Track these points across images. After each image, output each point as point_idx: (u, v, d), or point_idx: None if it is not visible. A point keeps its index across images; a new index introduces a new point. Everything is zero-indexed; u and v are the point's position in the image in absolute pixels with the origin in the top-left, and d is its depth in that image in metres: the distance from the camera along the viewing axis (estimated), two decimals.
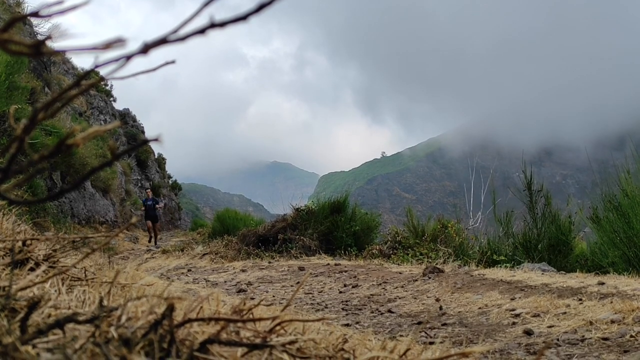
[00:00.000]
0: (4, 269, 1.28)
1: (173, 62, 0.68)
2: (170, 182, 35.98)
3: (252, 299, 5.28)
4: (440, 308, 4.31)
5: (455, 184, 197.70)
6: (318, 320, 1.12)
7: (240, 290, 6.14)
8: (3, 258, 1.47)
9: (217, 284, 6.94)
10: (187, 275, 8.18)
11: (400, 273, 6.80)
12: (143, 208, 17.83)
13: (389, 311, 4.43)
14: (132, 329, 0.85)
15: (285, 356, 0.92)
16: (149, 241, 17.62)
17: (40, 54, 0.59)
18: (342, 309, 4.72)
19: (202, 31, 0.61)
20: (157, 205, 17.58)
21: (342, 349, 1.05)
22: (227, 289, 6.29)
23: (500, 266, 6.78)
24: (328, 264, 8.58)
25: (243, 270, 8.33)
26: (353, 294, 5.57)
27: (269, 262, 9.30)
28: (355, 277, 6.85)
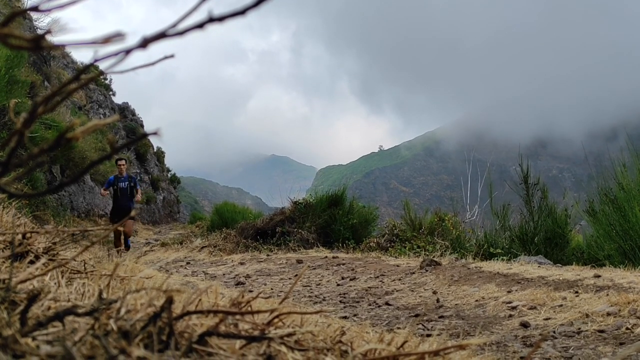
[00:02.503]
0: (4, 262, 1.28)
1: (172, 56, 0.68)
2: (169, 175, 35.92)
3: (251, 291, 5.30)
4: (438, 301, 4.34)
5: (452, 177, 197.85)
6: (316, 312, 1.13)
7: (238, 283, 6.16)
8: (3, 251, 1.47)
9: (215, 276, 6.96)
10: (185, 268, 8.19)
11: (397, 266, 6.83)
12: (111, 188, 10.40)
13: (387, 304, 4.45)
14: (131, 322, 0.85)
15: (283, 348, 0.93)
16: (116, 245, 9.77)
17: (39, 48, 0.60)
18: (340, 301, 4.74)
19: (200, 25, 0.61)
20: (136, 190, 10.31)
21: (340, 341, 1.05)
22: (226, 282, 6.31)
23: (497, 259, 6.81)
24: (326, 256, 8.60)
25: (241, 263, 8.35)
26: (351, 286, 5.59)
27: (267, 255, 9.32)
28: (353, 269, 6.87)
